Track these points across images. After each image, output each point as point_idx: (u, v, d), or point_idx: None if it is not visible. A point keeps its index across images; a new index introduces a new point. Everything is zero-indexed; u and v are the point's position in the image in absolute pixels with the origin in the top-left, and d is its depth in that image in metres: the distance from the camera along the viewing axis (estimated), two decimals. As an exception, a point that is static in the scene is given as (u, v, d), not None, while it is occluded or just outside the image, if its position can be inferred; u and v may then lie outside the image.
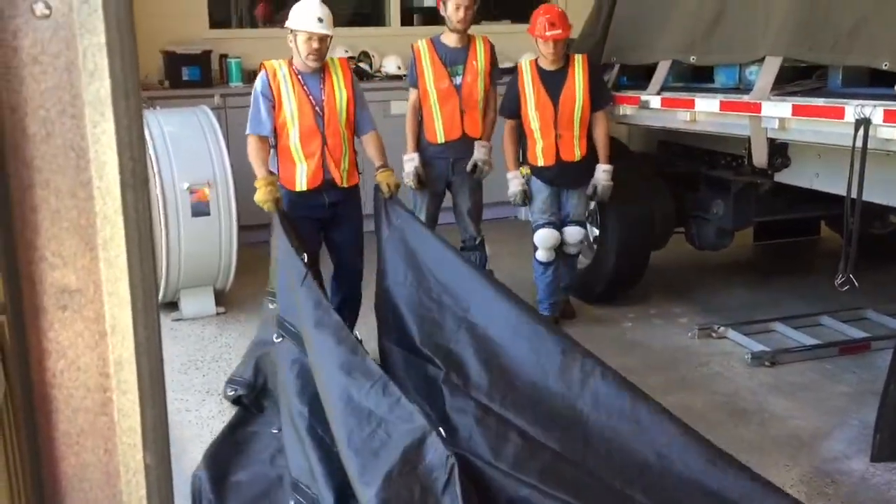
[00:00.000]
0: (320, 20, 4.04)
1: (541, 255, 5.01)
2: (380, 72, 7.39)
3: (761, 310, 5.22)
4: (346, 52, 7.36)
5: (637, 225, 5.16)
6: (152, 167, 4.92)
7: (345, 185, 4.22)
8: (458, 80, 4.79)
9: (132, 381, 0.70)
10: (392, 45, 7.37)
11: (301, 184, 4.14)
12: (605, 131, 4.91)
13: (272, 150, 4.20)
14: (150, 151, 4.94)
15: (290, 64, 4.14)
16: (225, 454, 3.48)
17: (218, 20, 7.48)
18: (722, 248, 5.50)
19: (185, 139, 5.09)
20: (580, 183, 4.94)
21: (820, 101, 3.71)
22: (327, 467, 2.99)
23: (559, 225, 4.99)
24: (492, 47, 4.93)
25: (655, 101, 4.70)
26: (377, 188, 4.23)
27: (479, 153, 4.86)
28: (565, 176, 4.91)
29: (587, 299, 5.43)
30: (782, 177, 4.45)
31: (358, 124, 4.28)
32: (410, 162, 4.85)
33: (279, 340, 3.65)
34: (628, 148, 5.47)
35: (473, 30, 4.95)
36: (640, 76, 5.19)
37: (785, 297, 5.47)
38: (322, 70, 4.16)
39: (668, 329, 5.02)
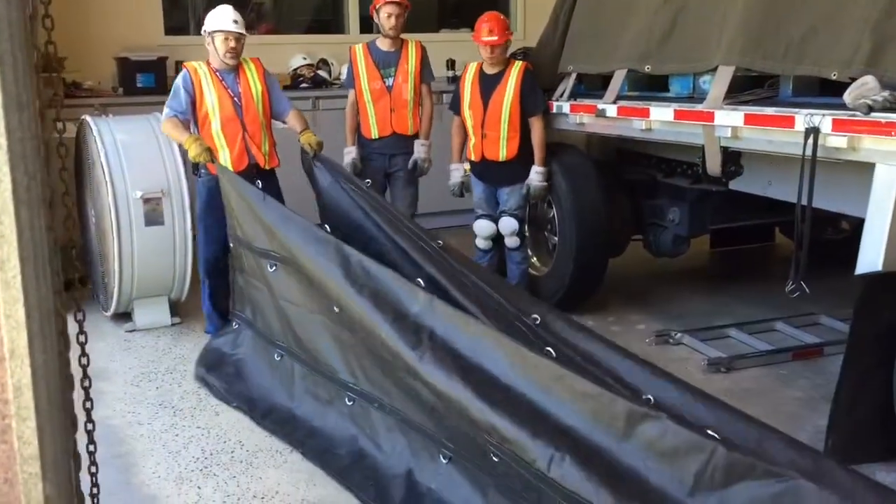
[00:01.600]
0: (235, 21, 4.61)
1: (478, 242, 5.38)
2: (338, 79, 7.35)
3: (717, 316, 5.27)
4: (305, 59, 7.33)
5: (595, 232, 5.18)
6: (104, 175, 4.83)
7: (267, 167, 4.76)
8: (390, 81, 5.22)
9: (31, 406, 0.66)
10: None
11: (227, 166, 4.54)
12: (540, 136, 5.12)
13: None
14: (102, 159, 4.85)
15: (209, 64, 4.69)
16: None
17: (174, 26, 7.40)
18: (679, 255, 5.54)
19: (137, 147, 5.01)
20: (508, 181, 5.19)
21: (771, 111, 3.74)
22: None
23: (496, 218, 5.24)
24: (423, 50, 5.35)
25: (612, 110, 4.72)
26: (303, 150, 4.58)
27: (418, 151, 5.31)
28: (490, 173, 5.20)
29: (546, 307, 5.42)
30: (736, 184, 4.48)
31: (276, 110, 4.82)
32: (349, 154, 5.31)
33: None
34: (586, 155, 5.49)
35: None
36: (596, 85, 5.22)
37: (740, 303, 5.52)
38: (237, 68, 4.70)
39: (626, 336, 5.03)
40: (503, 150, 5.09)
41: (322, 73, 7.34)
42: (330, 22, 8.23)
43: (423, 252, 3.80)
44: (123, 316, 5.19)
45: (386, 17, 5.14)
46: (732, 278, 6.18)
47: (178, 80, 4.61)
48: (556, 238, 5.33)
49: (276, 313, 3.99)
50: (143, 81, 6.65)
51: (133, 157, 4.93)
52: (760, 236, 6.63)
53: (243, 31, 4.64)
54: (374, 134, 5.27)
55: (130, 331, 5.10)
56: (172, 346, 4.89)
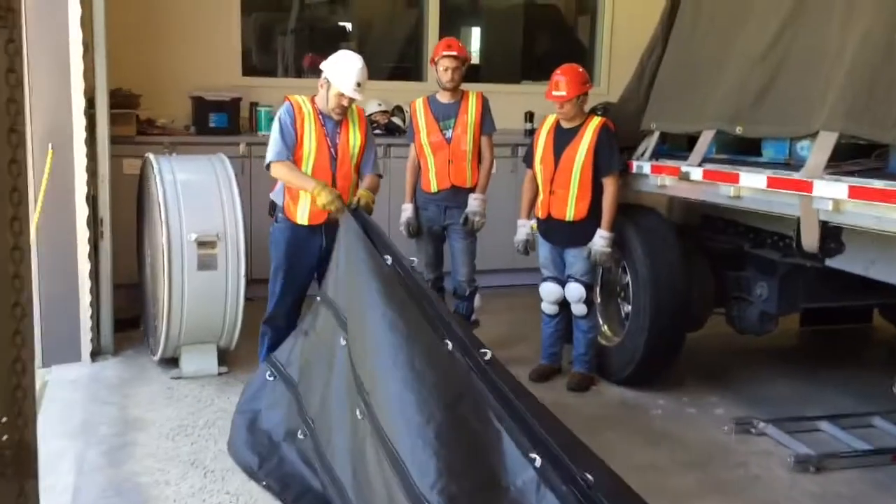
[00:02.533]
0: (359, 85, 4.22)
1: (544, 306, 5.08)
2: (412, 127, 7.15)
3: (806, 405, 4.76)
4: (380, 105, 7.16)
5: (673, 302, 4.77)
6: (159, 215, 4.68)
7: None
8: (449, 132, 5.07)
9: None
10: (427, 100, 7.13)
11: (302, 217, 4.30)
12: (612, 197, 4.77)
13: (280, 184, 4.36)
14: (159, 198, 4.71)
15: (314, 102, 4.33)
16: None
17: (255, 67, 7.34)
18: (765, 333, 5.07)
19: (196, 188, 4.86)
20: (575, 243, 4.85)
21: (879, 184, 3.32)
22: None
23: (562, 281, 4.95)
24: (484, 101, 5.17)
25: (696, 173, 4.34)
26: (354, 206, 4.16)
27: (471, 205, 5.09)
28: (556, 233, 4.92)
29: (614, 379, 5.02)
30: (835, 262, 4.04)
31: (363, 166, 4.46)
32: (405, 212, 5.21)
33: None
34: (665, 219, 5.11)
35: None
36: (681, 145, 4.86)
37: (833, 391, 5.00)
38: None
39: (702, 421, 4.58)
40: (571, 210, 4.77)
41: (396, 120, 7.16)
42: (410, 69, 8.08)
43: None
44: (171, 361, 4.99)
45: (444, 70, 5.03)
46: (824, 362, 5.63)
47: (282, 115, 4.27)
48: (630, 306, 4.94)
49: (321, 389, 3.59)
50: (216, 121, 6.57)
51: (191, 198, 4.77)
52: (857, 316, 6.10)
53: (362, 98, 4.29)
54: (434, 187, 5.12)
55: (176, 378, 4.89)
56: (215, 398, 4.65)
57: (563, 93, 4.66)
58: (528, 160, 5.03)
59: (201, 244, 4.69)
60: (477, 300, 5.24)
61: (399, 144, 6.75)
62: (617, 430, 4.40)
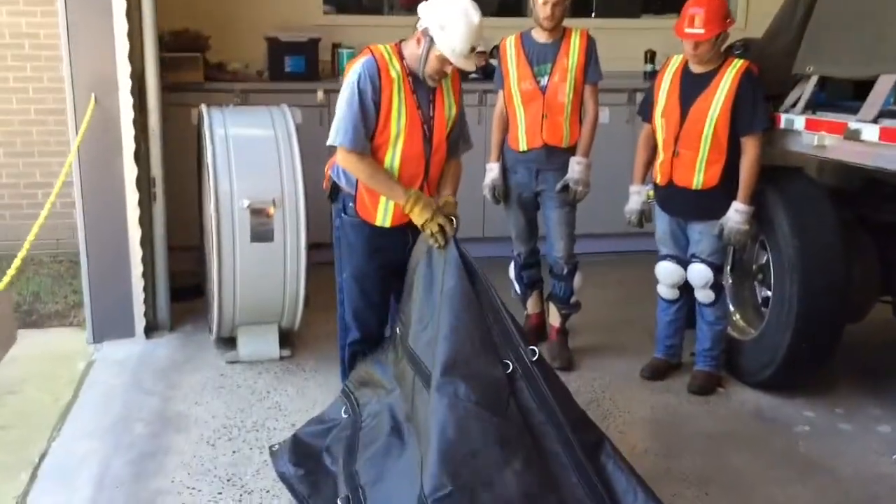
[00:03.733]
0: (472, 51, 3.08)
1: (661, 289, 4.24)
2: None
3: None
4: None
5: (826, 289, 3.79)
6: (208, 179, 4.04)
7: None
8: (545, 80, 4.16)
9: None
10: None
11: (384, 219, 3.25)
12: (753, 162, 3.80)
13: (342, 172, 3.27)
14: (208, 158, 4.06)
15: (401, 56, 3.15)
16: None
17: (339, 2, 6.58)
18: (944, 329, 4.05)
19: (251, 145, 4.18)
20: (702, 216, 3.93)
21: None
22: None
23: (684, 260, 4.08)
24: (590, 42, 4.20)
25: (870, 131, 3.33)
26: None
27: (572, 171, 4.20)
28: (675, 203, 4.02)
29: (748, 381, 4.11)
30: None
31: (451, 145, 3.36)
32: (490, 172, 4.36)
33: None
34: (818, 184, 4.10)
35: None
36: (847, 94, 3.83)
37: None
38: None
39: (861, 442, 3.65)
40: (699, 176, 3.85)
41: (494, 62, 6.27)
42: (512, 2, 7.14)
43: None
44: (230, 341, 4.40)
45: (541, 4, 4.03)
46: None
47: (360, 80, 3.02)
48: (770, 292, 4.00)
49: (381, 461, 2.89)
50: (292, 66, 5.86)
51: (244, 158, 4.09)
52: None
53: (475, 65, 3.28)
54: (523, 146, 4.22)
55: (231, 362, 4.30)
56: (272, 389, 4.03)
57: (701, 30, 3.70)
58: (646, 112, 4.10)
59: (255, 212, 4.02)
60: (577, 279, 4.39)
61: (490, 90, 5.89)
62: (748, 453, 3.53)
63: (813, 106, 3.82)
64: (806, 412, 3.89)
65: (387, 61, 3.12)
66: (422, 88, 3.19)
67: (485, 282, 2.92)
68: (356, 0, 6.80)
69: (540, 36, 4.17)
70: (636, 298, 5.14)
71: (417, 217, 3.10)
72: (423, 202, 3.11)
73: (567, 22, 4.18)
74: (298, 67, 5.87)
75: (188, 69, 5.50)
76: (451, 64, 3.07)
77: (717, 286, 4.01)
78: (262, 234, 4.04)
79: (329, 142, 3.14)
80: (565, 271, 4.35)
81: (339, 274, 3.38)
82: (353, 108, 3.06)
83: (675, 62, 3.96)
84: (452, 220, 3.11)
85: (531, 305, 4.61)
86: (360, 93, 3.06)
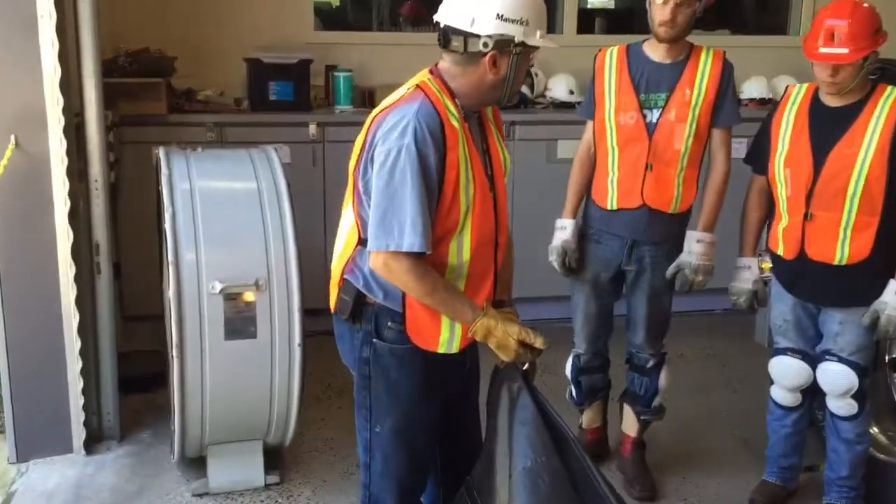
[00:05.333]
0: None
1: (777, 392, 3.17)
2: (544, 97, 5.21)
3: None
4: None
5: None
6: (165, 251, 2.95)
7: None
8: (655, 115, 3.02)
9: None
10: (564, 61, 5.15)
11: (451, 342, 2.16)
12: None
13: (376, 281, 2.15)
14: (166, 224, 2.97)
15: (451, 94, 2.09)
16: None
17: (333, 17, 5.52)
18: None
19: (226, 205, 3.10)
20: (843, 301, 2.87)
21: None
22: None
23: (812, 357, 3.02)
24: (726, 68, 3.05)
25: None
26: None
27: (690, 253, 3.08)
28: (808, 283, 2.97)
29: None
30: None
31: None
32: (561, 232, 3.21)
33: None
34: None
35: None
36: None
37: None
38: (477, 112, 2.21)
39: None
40: (843, 247, 2.82)
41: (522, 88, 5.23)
42: (619, 14, 6.14)
43: None
44: (196, 463, 3.30)
45: (660, 4, 2.90)
46: None
47: (416, 135, 1.97)
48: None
49: None
50: (278, 93, 4.78)
51: (216, 223, 3.01)
52: None
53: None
54: (612, 203, 3.11)
55: (199, 494, 3.19)
56: (256, 541, 2.93)
57: (844, 49, 2.66)
58: (759, 161, 3.04)
59: (231, 297, 2.93)
60: (664, 376, 3.32)
61: (524, 122, 4.85)
62: None
63: None
64: None
65: (443, 103, 2.05)
66: (474, 131, 2.15)
67: (578, 453, 1.90)
68: (355, 13, 5.71)
69: (655, 52, 3.05)
70: (713, 380, 4.15)
71: (501, 349, 2.08)
72: (503, 325, 2.07)
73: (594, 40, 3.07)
74: (286, 95, 4.79)
75: (149, 98, 4.41)
76: (534, 56, 2.12)
77: (860, 394, 2.97)
78: (240, 328, 2.95)
79: (375, 247, 2.02)
80: (650, 364, 3.29)
81: (366, 428, 2.23)
82: (414, 189, 1.96)
83: (799, 92, 2.93)
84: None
85: (588, 418, 3.51)
86: (422, 160, 1.97)
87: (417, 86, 2.08)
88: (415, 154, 1.96)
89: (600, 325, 3.30)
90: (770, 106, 5.20)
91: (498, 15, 2.02)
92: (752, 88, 5.40)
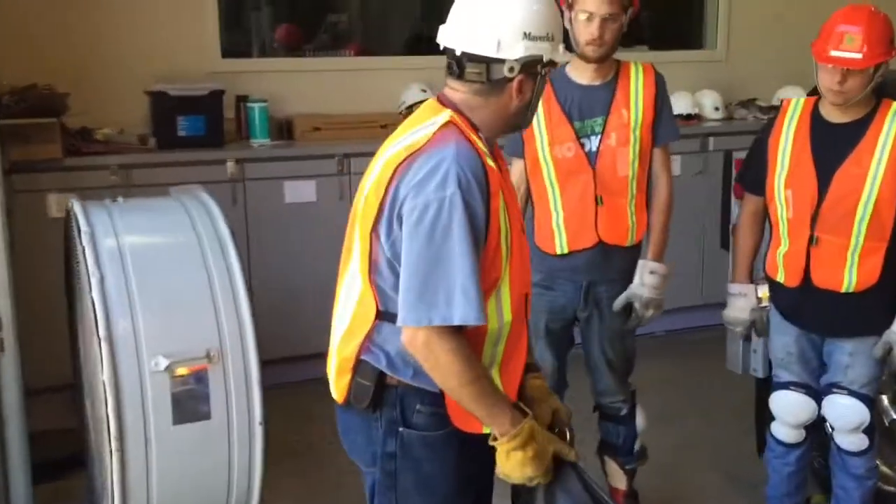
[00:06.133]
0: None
1: (779, 430, 2.94)
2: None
3: None
4: (425, 91, 4.97)
5: None
6: (94, 321, 2.47)
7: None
8: (595, 142, 2.76)
9: None
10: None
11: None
12: None
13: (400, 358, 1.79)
14: (93, 293, 2.48)
15: (474, 127, 1.78)
16: None
17: (236, 48, 5.08)
18: None
19: (164, 264, 2.64)
20: (850, 330, 2.68)
21: None
22: None
23: (815, 390, 2.83)
24: (659, 81, 2.86)
25: None
26: None
27: (641, 282, 2.82)
28: (812, 312, 2.76)
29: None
30: None
31: None
32: None
33: None
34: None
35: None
36: None
37: None
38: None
39: None
40: (850, 274, 2.64)
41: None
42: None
43: None
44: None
45: (585, 20, 2.65)
46: None
47: (460, 183, 1.65)
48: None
49: None
50: (188, 128, 4.33)
51: (155, 286, 2.55)
52: None
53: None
54: (562, 247, 2.82)
55: None
56: None
57: (857, 54, 2.48)
58: (753, 180, 2.86)
59: (179, 376, 2.48)
60: (640, 418, 3.06)
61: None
62: None
63: None
64: None
65: (483, 151, 1.73)
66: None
67: None
68: (230, 38, 5.19)
69: (581, 74, 2.79)
70: (685, 409, 3.98)
71: (533, 461, 1.72)
72: (543, 431, 1.75)
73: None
74: (196, 130, 4.35)
75: (40, 140, 3.87)
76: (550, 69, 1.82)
77: (871, 428, 2.79)
78: (191, 409, 2.49)
79: (414, 321, 1.66)
80: (624, 411, 3.02)
81: None
82: (464, 248, 1.63)
83: (797, 107, 2.75)
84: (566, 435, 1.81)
85: None
86: (470, 213, 1.65)
87: (449, 122, 1.73)
88: (461, 207, 1.63)
89: (560, 376, 2.98)
90: (696, 122, 5.25)
91: (525, 34, 1.72)
92: (677, 104, 5.28)
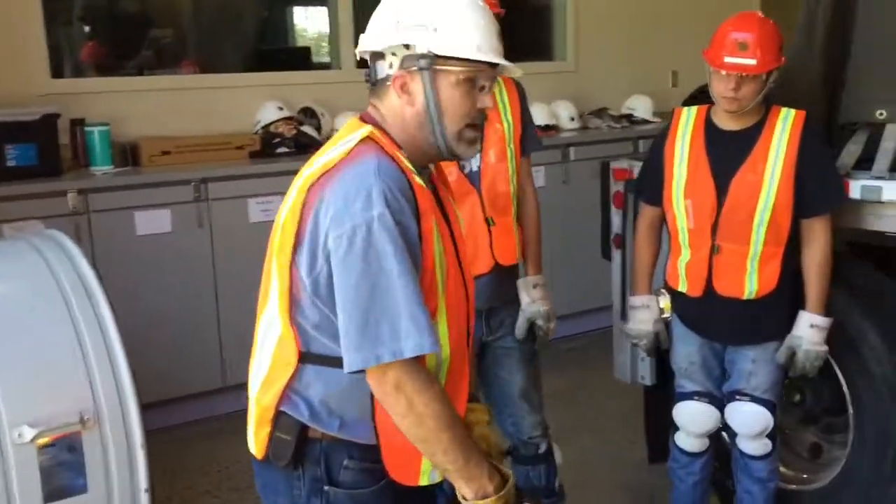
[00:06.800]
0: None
1: (683, 440, 2.92)
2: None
3: None
4: (281, 108, 4.72)
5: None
6: (-60, 396, 2.08)
7: None
8: (474, 162, 2.60)
9: None
10: (347, 97, 4.74)
11: (435, 473, 1.62)
12: (826, 254, 2.64)
13: (317, 403, 1.61)
14: (-66, 358, 2.10)
15: (396, 143, 1.60)
16: None
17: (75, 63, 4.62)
18: None
19: (22, 317, 2.27)
20: (753, 337, 2.72)
21: None
22: None
23: (718, 398, 2.84)
24: (520, 91, 2.74)
25: None
26: None
27: (531, 300, 2.70)
28: (715, 321, 2.76)
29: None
30: None
31: None
32: None
33: None
34: None
35: None
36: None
37: None
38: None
39: None
40: (751, 281, 2.66)
41: (308, 129, 4.72)
42: (303, 53, 5.62)
43: None
44: None
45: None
46: None
47: (387, 201, 1.46)
48: (838, 436, 2.92)
49: None
50: (19, 157, 3.86)
51: (12, 345, 2.18)
52: None
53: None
54: None
55: None
56: None
57: (752, 60, 2.49)
58: (649, 190, 2.84)
59: (47, 446, 2.13)
60: (558, 454, 2.90)
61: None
62: None
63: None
64: None
65: (407, 166, 1.56)
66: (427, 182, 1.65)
67: None
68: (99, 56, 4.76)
69: None
70: (579, 424, 3.93)
71: None
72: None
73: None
74: (28, 159, 3.91)
75: None
76: (487, 83, 1.59)
77: (773, 432, 2.82)
78: (64, 483, 2.15)
79: (360, 363, 1.46)
80: (543, 448, 2.86)
81: None
82: (402, 271, 1.45)
83: (689, 116, 2.74)
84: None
85: None
86: (403, 232, 1.47)
87: (368, 137, 1.54)
88: (392, 226, 1.45)
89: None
90: (554, 133, 5.27)
91: (397, 22, 1.56)
92: (535, 116, 5.30)
